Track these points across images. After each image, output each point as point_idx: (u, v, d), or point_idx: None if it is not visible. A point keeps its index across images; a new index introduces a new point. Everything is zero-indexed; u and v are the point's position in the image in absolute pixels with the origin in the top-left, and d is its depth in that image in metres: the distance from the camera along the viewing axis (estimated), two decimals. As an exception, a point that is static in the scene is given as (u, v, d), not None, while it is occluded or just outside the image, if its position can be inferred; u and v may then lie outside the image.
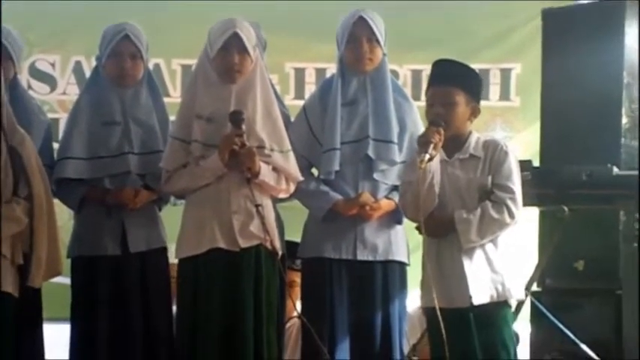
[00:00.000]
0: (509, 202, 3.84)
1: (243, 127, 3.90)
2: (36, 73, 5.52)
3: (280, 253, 4.01)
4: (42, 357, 4.08)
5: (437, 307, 3.69)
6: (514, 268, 3.94)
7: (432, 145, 3.75)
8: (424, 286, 3.90)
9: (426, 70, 5.58)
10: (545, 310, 4.70)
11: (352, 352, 4.19)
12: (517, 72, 5.60)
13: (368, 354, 4.20)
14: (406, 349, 4.38)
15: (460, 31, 5.58)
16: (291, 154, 4.04)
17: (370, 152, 4.22)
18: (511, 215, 3.84)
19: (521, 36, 5.66)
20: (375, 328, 4.20)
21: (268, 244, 3.91)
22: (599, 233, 4.81)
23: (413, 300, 4.72)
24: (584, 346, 4.60)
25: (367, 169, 4.24)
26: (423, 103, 5.47)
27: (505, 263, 3.90)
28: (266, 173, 3.94)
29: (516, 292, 3.91)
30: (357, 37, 4.22)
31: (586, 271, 4.83)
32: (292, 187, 4.06)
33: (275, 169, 3.99)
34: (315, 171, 4.33)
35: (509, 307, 3.90)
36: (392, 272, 4.25)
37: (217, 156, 3.89)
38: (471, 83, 3.95)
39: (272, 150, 3.97)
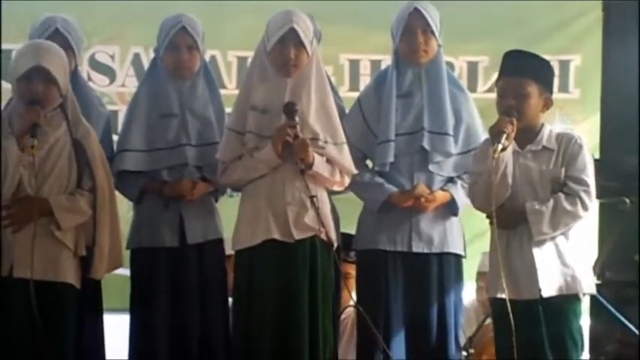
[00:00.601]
0: (583, 195, 3.83)
1: (297, 118, 3.91)
2: (95, 65, 5.56)
3: (335, 244, 4.02)
4: (102, 347, 4.12)
5: (507, 298, 3.68)
6: (586, 261, 3.93)
7: (504, 135, 3.75)
8: (492, 277, 3.89)
9: (483, 61, 5.62)
10: (605, 303, 4.66)
11: (407, 344, 4.20)
12: (576, 63, 5.52)
13: (423, 346, 4.20)
14: (462, 342, 4.37)
15: (518, 21, 5.52)
16: (346, 147, 4.04)
17: (425, 144, 4.22)
18: (585, 207, 3.83)
19: (581, 27, 5.58)
20: (430, 320, 4.20)
21: (323, 236, 3.92)
22: (660, 225, 4.76)
23: (469, 292, 4.73)
24: (644, 338, 4.56)
25: (422, 160, 4.24)
26: (479, 95, 5.56)
27: (576, 256, 3.88)
28: (320, 165, 3.95)
29: (587, 286, 3.88)
30: (412, 29, 4.22)
31: (647, 264, 4.79)
32: (347, 180, 4.07)
33: (329, 161, 4.00)
34: (369, 163, 4.34)
35: (579, 300, 3.89)
36: (447, 264, 4.25)
37: (271, 147, 3.92)
38: (543, 74, 3.94)
39: (326, 142, 3.98)
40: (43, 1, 5.16)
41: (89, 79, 5.40)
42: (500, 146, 3.73)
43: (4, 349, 3.75)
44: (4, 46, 5.18)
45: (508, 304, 3.68)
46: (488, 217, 3.86)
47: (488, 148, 3.78)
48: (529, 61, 3.93)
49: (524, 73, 3.87)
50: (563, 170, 3.86)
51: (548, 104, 3.92)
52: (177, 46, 4.23)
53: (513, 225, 3.85)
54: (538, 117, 3.92)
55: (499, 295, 3.79)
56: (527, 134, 3.89)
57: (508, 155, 3.80)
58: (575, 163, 3.86)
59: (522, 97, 3.86)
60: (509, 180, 3.81)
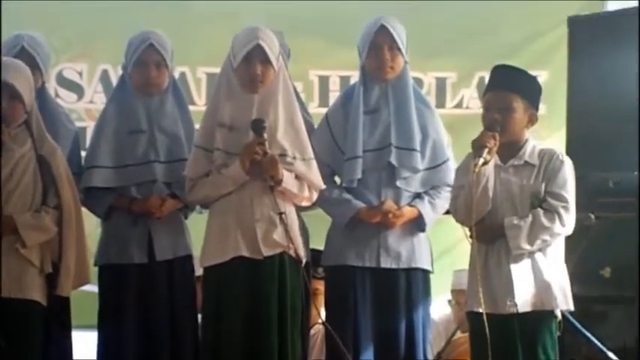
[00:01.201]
0: (562, 211, 3.84)
1: (265, 135, 3.91)
2: (63, 82, 5.57)
3: (305, 260, 4.02)
4: (70, 364, 4.11)
5: (484, 312, 3.72)
6: (563, 277, 3.93)
7: (486, 150, 3.77)
8: (470, 291, 3.91)
9: (451, 77, 5.66)
10: (571, 318, 4.68)
11: (376, 358, 4.20)
12: (543, 79, 5.57)
13: (392, 360, 4.21)
14: (430, 357, 4.38)
15: (485, 38, 5.57)
16: (314, 162, 4.05)
17: (393, 160, 4.24)
18: (562, 224, 3.84)
19: (548, 43, 5.65)
20: (398, 336, 4.21)
21: (292, 252, 3.93)
22: (626, 241, 4.78)
23: (437, 307, 4.75)
24: (610, 354, 4.58)
25: (390, 176, 4.25)
26: (447, 110, 5.60)
27: (553, 272, 3.89)
28: (289, 181, 3.96)
29: (562, 302, 3.89)
30: (379, 46, 4.24)
31: (613, 279, 4.81)
32: (315, 195, 4.07)
33: (297, 177, 4.00)
34: (338, 179, 4.35)
35: (555, 317, 3.90)
36: (415, 280, 4.26)
37: (239, 164, 3.91)
38: (530, 90, 3.96)
39: (294, 158, 3.98)
40: (9, 17, 5.16)
41: (57, 95, 5.40)
42: (481, 160, 3.75)
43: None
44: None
45: (485, 318, 3.71)
46: (470, 230, 3.88)
47: (470, 162, 3.79)
48: (516, 77, 3.96)
49: (510, 88, 3.89)
50: (543, 185, 3.88)
51: (533, 120, 3.94)
52: (145, 63, 4.24)
53: (492, 239, 3.86)
54: (522, 132, 3.93)
55: (476, 309, 3.82)
56: (511, 149, 3.91)
57: (490, 170, 3.81)
58: (555, 179, 3.87)
59: (507, 111, 3.88)
60: (490, 194, 3.83)
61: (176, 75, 4.62)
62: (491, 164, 3.82)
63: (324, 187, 4.11)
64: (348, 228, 4.23)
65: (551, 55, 5.63)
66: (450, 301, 5.43)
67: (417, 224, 4.28)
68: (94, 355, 4.24)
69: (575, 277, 4.76)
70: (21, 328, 3.78)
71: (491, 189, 3.83)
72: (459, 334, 4.85)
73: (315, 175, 4.05)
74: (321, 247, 4.36)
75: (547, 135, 5.64)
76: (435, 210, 4.30)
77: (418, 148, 4.26)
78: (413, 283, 4.25)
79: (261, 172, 3.91)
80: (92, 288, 4.25)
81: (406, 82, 4.30)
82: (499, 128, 3.84)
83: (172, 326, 4.18)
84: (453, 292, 5.25)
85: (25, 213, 3.83)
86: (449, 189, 4.27)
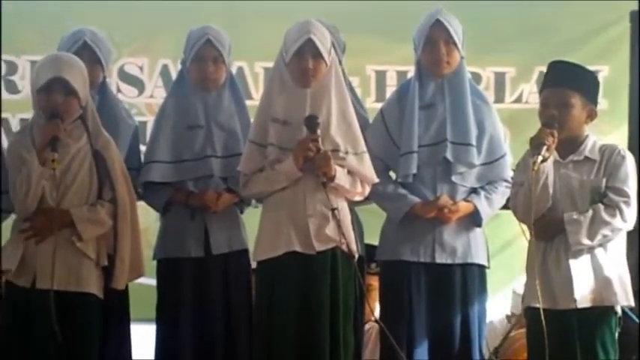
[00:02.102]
0: (623, 206, 3.82)
1: (319, 131, 3.92)
2: (125, 77, 5.61)
3: (357, 255, 4.01)
4: (129, 357, 4.15)
5: (541, 308, 3.71)
6: (624, 273, 3.90)
7: (545, 147, 3.75)
8: (527, 286, 3.90)
9: (510, 72, 5.60)
10: (632, 314, 4.62)
11: (431, 354, 4.20)
12: (605, 74, 5.49)
13: (447, 356, 4.19)
14: (486, 353, 4.35)
15: (545, 32, 5.50)
16: (366, 156, 4.04)
17: (448, 155, 4.22)
18: (624, 219, 3.82)
19: (609, 37, 5.55)
20: (453, 331, 4.19)
21: (345, 247, 3.92)
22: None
23: (494, 304, 4.70)
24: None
25: (445, 171, 4.23)
26: (506, 105, 5.55)
27: (614, 268, 3.86)
28: (341, 177, 3.95)
29: (623, 298, 3.86)
30: (435, 41, 4.22)
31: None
32: (367, 190, 4.06)
33: (350, 171, 4.00)
34: (393, 174, 4.34)
35: (615, 313, 3.87)
36: (471, 275, 4.24)
37: (292, 160, 3.92)
38: (588, 86, 3.93)
39: (347, 152, 3.98)
40: (71, 13, 5.24)
41: (118, 90, 5.45)
42: (540, 158, 3.74)
43: (28, 360, 3.79)
44: (33, 58, 5.26)
45: (542, 314, 3.69)
46: (529, 228, 3.85)
47: (529, 159, 3.77)
48: (573, 72, 3.93)
49: (567, 84, 3.87)
50: (604, 181, 3.85)
51: (592, 115, 3.92)
52: (203, 59, 4.26)
53: (552, 235, 3.84)
54: (581, 128, 3.91)
55: (534, 305, 3.80)
56: (570, 144, 3.89)
57: (549, 166, 3.79)
58: (616, 174, 3.85)
59: (565, 107, 3.86)
60: (550, 191, 3.81)
61: (234, 70, 4.64)
62: (550, 161, 3.79)
63: (376, 181, 4.09)
64: (402, 223, 4.21)
65: (613, 49, 5.54)
66: (508, 317, 5.35)
67: (473, 219, 4.26)
68: (153, 348, 4.27)
69: (637, 273, 4.71)
70: (78, 322, 3.84)
71: (550, 186, 3.80)
72: (515, 332, 4.81)
73: (368, 170, 4.04)
74: (376, 242, 4.36)
75: (609, 130, 5.55)
76: (492, 205, 4.27)
77: (474, 143, 4.23)
78: (469, 279, 4.23)
79: (314, 168, 3.91)
80: (152, 281, 4.30)
81: (462, 77, 4.27)
82: (557, 125, 3.81)
83: (227, 320, 4.21)
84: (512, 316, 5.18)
85: (82, 207, 3.88)
86: (506, 184, 4.26)
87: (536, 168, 3.73)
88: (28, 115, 4.81)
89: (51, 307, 3.71)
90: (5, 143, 4.58)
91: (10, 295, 3.86)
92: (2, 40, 4.92)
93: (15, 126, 5.39)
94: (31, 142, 3.88)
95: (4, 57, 5.31)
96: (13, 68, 5.44)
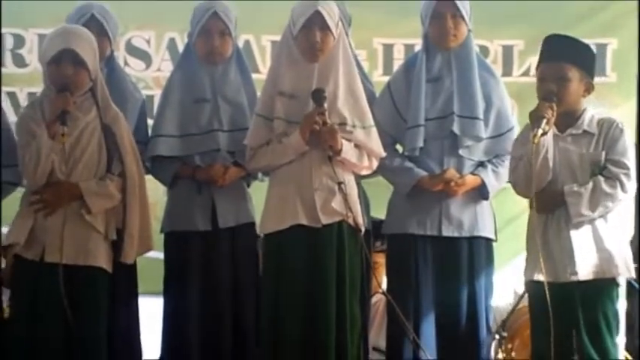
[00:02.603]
0: (623, 177, 3.84)
1: (325, 105, 3.91)
2: (132, 50, 5.60)
3: (364, 228, 4.02)
4: (137, 330, 4.17)
5: (545, 281, 3.71)
6: (624, 245, 3.92)
7: (544, 120, 3.77)
8: (529, 260, 3.90)
9: (518, 45, 5.57)
10: (636, 285, 4.63)
11: (438, 327, 4.21)
12: (613, 47, 5.46)
13: (454, 329, 4.20)
14: (493, 326, 4.37)
15: (553, 4, 5.46)
16: (374, 130, 4.04)
17: (455, 128, 4.22)
18: (624, 190, 3.84)
19: (618, 10, 5.51)
20: (460, 305, 4.20)
21: (351, 221, 3.93)
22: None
23: (501, 277, 4.71)
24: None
25: (452, 145, 4.24)
26: (514, 78, 5.52)
27: (615, 240, 3.88)
28: (348, 150, 3.96)
29: (624, 270, 3.88)
30: (442, 14, 4.21)
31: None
32: (375, 163, 4.07)
33: (357, 145, 4.00)
34: (399, 147, 4.34)
35: (617, 284, 3.89)
36: (478, 248, 4.25)
37: (299, 134, 3.92)
38: (584, 59, 3.93)
39: (354, 126, 3.98)
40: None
41: (126, 64, 5.43)
42: (540, 131, 3.75)
43: (36, 333, 3.80)
44: (40, 31, 5.25)
45: (546, 286, 3.70)
46: (530, 203, 3.86)
47: (529, 133, 3.78)
48: (570, 46, 3.93)
49: (564, 58, 3.87)
50: (603, 154, 3.87)
51: (589, 89, 3.93)
52: (209, 32, 4.26)
53: (552, 208, 3.85)
54: (579, 102, 3.92)
55: (536, 278, 3.81)
56: (568, 118, 3.89)
57: (549, 140, 3.80)
58: (615, 147, 3.86)
59: (563, 81, 3.86)
60: (550, 164, 3.82)
61: (240, 43, 4.63)
62: (550, 134, 3.80)
63: (384, 154, 4.10)
64: (409, 196, 4.22)
65: (621, 22, 5.49)
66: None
67: (480, 192, 4.26)
68: (161, 322, 4.29)
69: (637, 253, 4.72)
70: (87, 295, 3.85)
71: (551, 159, 3.82)
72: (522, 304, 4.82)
73: (375, 143, 4.04)
74: (383, 215, 4.36)
75: (618, 103, 5.54)
76: (499, 178, 4.27)
77: (481, 116, 4.23)
78: (475, 252, 4.24)
79: (320, 142, 3.91)
80: (159, 255, 4.31)
81: (469, 50, 4.26)
82: (555, 99, 3.80)
83: (234, 292, 4.22)
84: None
85: (91, 180, 3.88)
86: (514, 157, 4.26)
87: (536, 141, 3.74)
88: (36, 88, 4.82)
89: (60, 280, 3.73)
90: (13, 117, 4.59)
91: (18, 268, 3.87)
92: (10, 13, 4.91)
93: (23, 100, 5.39)
94: (41, 116, 3.88)
95: (12, 30, 5.31)
96: (20, 41, 5.43)
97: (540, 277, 3.77)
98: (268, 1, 5.33)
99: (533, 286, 3.87)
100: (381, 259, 4.50)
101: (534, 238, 3.83)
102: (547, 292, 3.70)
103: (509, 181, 4.07)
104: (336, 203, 3.92)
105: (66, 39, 3.88)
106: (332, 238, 3.93)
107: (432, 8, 4.21)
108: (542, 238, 3.83)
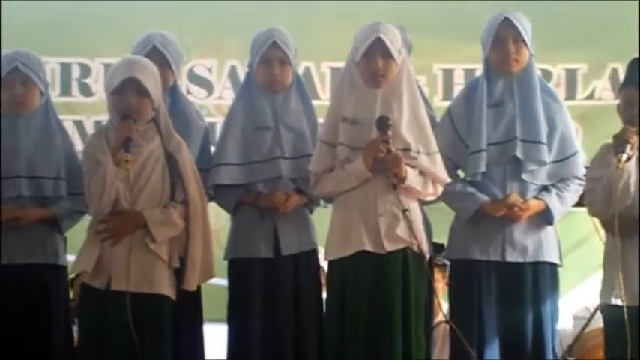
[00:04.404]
0: None
1: (390, 133, 3.91)
2: (194, 78, 5.68)
3: (428, 256, 4.01)
4: (202, 356, 4.21)
5: (624, 305, 3.71)
6: None
7: (629, 145, 3.75)
8: (605, 283, 3.89)
9: (582, 68, 5.54)
10: None
11: (502, 353, 4.17)
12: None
13: (518, 355, 4.16)
14: (559, 352, 4.32)
15: (617, 28, 5.43)
16: (438, 156, 4.03)
17: (518, 153, 4.19)
18: None
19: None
20: (525, 330, 4.16)
21: (415, 248, 3.92)
22: None
23: (565, 303, 4.66)
24: None
25: (515, 169, 4.21)
26: (578, 102, 5.48)
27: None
28: (413, 178, 3.94)
29: None
30: (503, 38, 4.19)
31: None
32: (440, 190, 4.05)
33: (422, 172, 3.99)
34: (461, 173, 4.33)
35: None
36: (542, 273, 4.21)
37: (362, 161, 3.92)
38: None
39: (418, 152, 3.97)
40: (145, 17, 5.31)
41: (188, 92, 5.52)
42: (625, 156, 3.75)
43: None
44: (106, 60, 5.34)
45: (625, 311, 3.68)
46: (604, 223, 3.84)
47: (606, 155, 3.79)
48: None
49: None
50: None
51: None
52: (269, 61, 4.29)
53: (630, 232, 3.82)
54: None
55: (613, 302, 3.78)
56: None
57: (632, 165, 3.78)
58: None
59: None
60: (632, 189, 3.81)
61: (300, 70, 4.66)
62: (633, 159, 3.78)
63: (449, 181, 4.08)
64: (472, 222, 4.20)
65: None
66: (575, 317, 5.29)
67: (545, 217, 4.22)
68: (225, 348, 4.30)
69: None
70: (152, 323, 3.87)
71: (632, 184, 3.80)
72: (588, 328, 4.76)
73: (440, 169, 4.02)
74: (441, 240, 4.34)
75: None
76: (564, 203, 4.23)
77: (545, 140, 4.20)
78: (540, 277, 4.20)
79: (384, 169, 3.91)
80: (223, 281, 4.34)
81: (531, 74, 4.24)
82: None
83: (297, 319, 4.23)
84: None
85: (154, 209, 3.93)
86: (578, 181, 4.23)
87: (621, 166, 3.74)
88: (102, 117, 4.90)
89: (127, 308, 3.76)
90: (80, 145, 4.67)
91: (85, 296, 3.92)
92: (77, 42, 5.02)
93: (89, 128, 5.49)
94: (106, 144, 3.94)
95: (78, 59, 5.41)
96: (87, 71, 5.54)
97: (618, 301, 3.74)
98: (328, 27, 5.39)
99: (609, 310, 3.84)
100: (438, 275, 4.46)
101: (612, 261, 3.80)
102: (625, 317, 3.66)
103: (581, 205, 4.04)
104: (401, 230, 3.91)
105: (129, 69, 3.94)
106: (397, 265, 3.91)
107: (493, 33, 4.20)
108: (619, 261, 3.79)
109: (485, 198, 4.19)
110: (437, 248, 4.40)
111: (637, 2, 5.46)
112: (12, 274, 4.11)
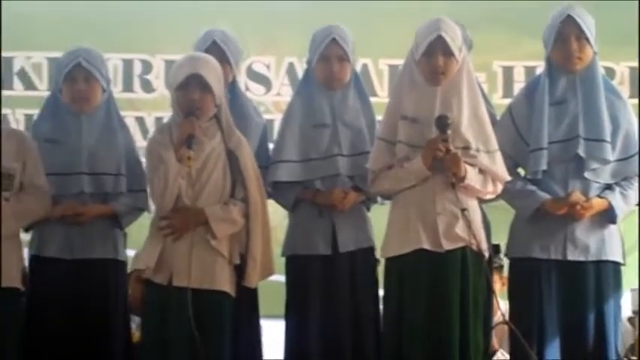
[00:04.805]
0: None
1: (449, 132, 3.89)
2: (252, 75, 5.70)
3: (487, 255, 3.99)
4: (260, 353, 4.22)
5: None
6: None
7: None
8: None
9: (645, 66, 5.46)
10: None
11: (563, 352, 4.13)
12: None
13: (580, 355, 4.11)
14: (621, 351, 4.27)
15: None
16: (498, 154, 3.99)
17: (581, 151, 4.14)
18: None
19: None
20: (587, 329, 4.12)
21: (474, 247, 3.89)
22: None
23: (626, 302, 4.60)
24: None
25: (577, 168, 4.16)
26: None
27: None
28: (472, 177, 3.92)
29: None
30: (566, 36, 4.15)
31: None
32: (500, 188, 4.02)
33: (481, 170, 3.96)
34: (521, 171, 4.29)
35: None
36: (605, 272, 4.16)
37: (421, 159, 3.91)
38: None
39: (478, 150, 3.94)
40: (205, 14, 5.35)
41: (247, 88, 5.55)
42: None
43: (165, 357, 3.86)
44: (167, 57, 5.39)
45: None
46: None
47: None
48: None
49: None
50: None
51: None
52: (328, 58, 4.29)
53: None
54: None
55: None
56: None
57: None
58: None
59: None
60: None
61: (358, 67, 4.66)
62: None
63: (509, 179, 4.05)
64: (532, 220, 4.16)
65: None
66: (630, 319, 5.22)
67: (608, 216, 4.17)
68: (282, 344, 4.32)
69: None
70: (212, 319, 3.89)
71: None
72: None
73: (500, 168, 3.99)
74: (497, 241, 4.31)
75: None
76: (627, 202, 4.19)
77: (608, 138, 4.15)
78: (603, 276, 4.15)
79: (443, 168, 3.89)
80: (279, 278, 4.35)
81: (595, 72, 4.19)
82: None
83: (355, 317, 4.23)
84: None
85: (215, 205, 3.94)
86: (643, 180, 4.18)
87: None
88: (163, 113, 4.95)
89: (188, 304, 3.78)
90: (141, 142, 4.71)
91: (148, 292, 3.95)
92: (138, 39, 5.07)
93: (150, 124, 5.54)
94: (169, 141, 3.96)
95: (140, 56, 5.45)
96: (148, 67, 5.58)
97: None
98: (386, 24, 5.38)
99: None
100: (495, 276, 4.44)
101: None
102: None
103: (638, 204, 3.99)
104: (460, 229, 3.89)
105: (193, 65, 3.96)
106: (455, 264, 3.89)
107: (556, 31, 4.15)
108: None
109: (546, 196, 4.15)
110: (494, 249, 4.36)
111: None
112: (73, 269, 4.16)
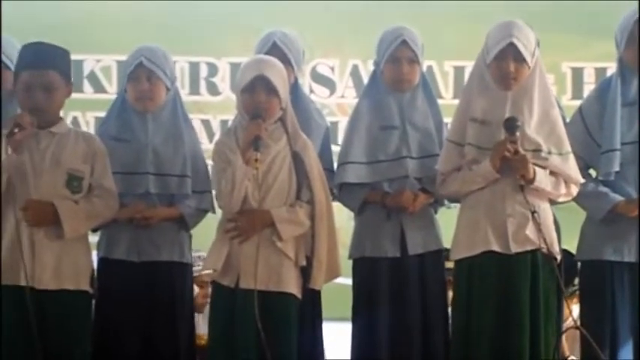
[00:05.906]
0: None
1: (518, 134, 3.85)
2: (317, 77, 5.70)
3: (559, 257, 3.94)
4: (322, 355, 4.21)
5: None
6: None
7: None
8: None
9: None
10: None
11: (637, 356, 4.07)
12: None
13: (657, 358, 4.06)
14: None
15: None
16: (571, 157, 3.95)
17: (655, 153, 4.10)
18: None
19: None
20: (664, 334, 4.05)
21: (545, 250, 3.84)
22: None
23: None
24: None
25: (654, 169, 4.11)
26: None
27: None
28: (542, 179, 3.88)
29: None
30: (637, 37, 4.08)
31: None
32: (574, 190, 3.98)
33: (553, 172, 3.91)
34: (592, 172, 4.23)
35: None
36: (680, 274, 4.08)
37: (489, 162, 3.88)
38: None
39: (549, 153, 3.90)
40: (269, 17, 5.35)
41: (311, 91, 5.54)
42: None
43: (233, 358, 3.87)
44: (232, 60, 5.40)
45: None
46: None
47: None
48: None
49: None
50: None
51: None
52: (398, 60, 4.27)
53: None
54: None
55: None
56: None
57: None
58: None
59: None
60: None
61: (424, 68, 4.61)
62: None
63: (582, 181, 4.01)
64: (604, 222, 4.10)
65: None
66: None
67: (682, 218, 4.10)
68: (345, 348, 4.31)
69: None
70: (279, 320, 3.89)
71: None
72: None
73: (573, 170, 3.95)
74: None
75: None
76: (703, 203, 4.11)
77: (687, 140, 4.09)
78: (678, 279, 4.08)
79: (512, 170, 3.85)
80: (344, 280, 4.33)
81: (671, 73, 4.13)
82: None
83: (423, 319, 4.20)
84: None
85: (281, 207, 3.94)
86: None
87: None
88: (228, 116, 4.95)
89: (255, 306, 3.78)
90: (207, 144, 4.72)
91: (216, 294, 3.96)
92: (205, 42, 5.08)
93: (216, 127, 5.56)
94: (236, 143, 3.96)
95: (206, 59, 5.47)
96: (214, 70, 5.60)
97: None
98: (450, 26, 5.34)
99: None
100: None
101: None
102: None
103: None
104: (530, 231, 3.85)
105: (259, 67, 3.96)
106: (525, 267, 3.86)
107: (628, 31, 4.10)
108: None
109: (618, 197, 4.10)
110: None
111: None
112: (140, 271, 4.18)
